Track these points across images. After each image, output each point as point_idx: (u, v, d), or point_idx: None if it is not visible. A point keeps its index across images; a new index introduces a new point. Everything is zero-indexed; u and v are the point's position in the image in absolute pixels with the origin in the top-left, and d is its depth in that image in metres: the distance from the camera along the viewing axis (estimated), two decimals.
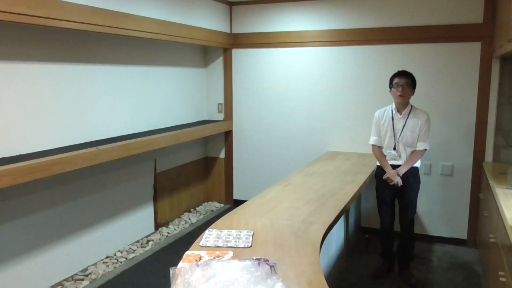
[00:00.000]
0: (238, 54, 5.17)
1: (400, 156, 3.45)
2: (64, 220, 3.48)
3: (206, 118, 5.42)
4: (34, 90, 3.14)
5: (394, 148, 3.45)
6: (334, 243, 3.46)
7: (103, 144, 3.45)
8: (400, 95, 3.35)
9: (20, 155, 3.03)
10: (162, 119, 4.58)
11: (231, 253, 1.90)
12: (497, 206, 2.83)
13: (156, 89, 4.46)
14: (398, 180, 3.37)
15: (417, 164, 3.49)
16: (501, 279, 2.36)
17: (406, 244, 3.62)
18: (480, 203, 4.13)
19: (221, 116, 5.35)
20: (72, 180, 3.52)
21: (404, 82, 3.34)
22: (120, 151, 3.54)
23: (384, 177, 3.43)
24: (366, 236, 4.43)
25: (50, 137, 3.30)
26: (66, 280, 3.47)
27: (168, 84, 4.65)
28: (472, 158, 4.21)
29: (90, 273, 3.57)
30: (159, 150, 4.35)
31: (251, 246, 2.02)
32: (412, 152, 3.44)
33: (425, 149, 3.42)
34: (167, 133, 4.18)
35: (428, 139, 3.43)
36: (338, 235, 3.58)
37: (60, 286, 3.36)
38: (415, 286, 3.49)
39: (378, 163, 3.58)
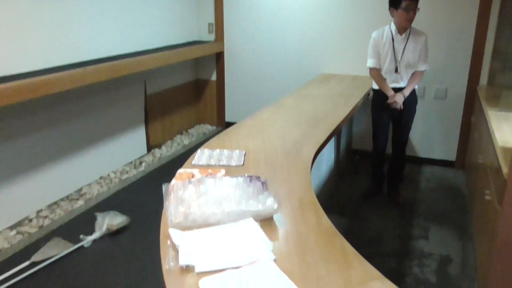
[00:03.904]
0: None
1: (402, 78, 3.39)
2: (56, 142, 3.46)
3: (196, 39, 5.24)
4: (15, 8, 2.97)
5: (396, 71, 3.37)
6: (325, 164, 3.51)
7: (89, 65, 3.34)
8: (409, 20, 3.20)
9: (4, 76, 2.93)
10: (150, 40, 4.41)
11: (223, 171, 1.91)
12: (488, 128, 2.85)
13: (144, 7, 4.25)
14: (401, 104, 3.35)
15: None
16: (486, 197, 2.43)
17: (398, 165, 3.68)
18: (471, 126, 4.16)
19: (212, 37, 5.17)
20: (61, 102, 3.45)
21: (415, 7, 3.16)
22: (108, 72, 3.44)
23: (389, 101, 3.36)
24: (357, 157, 4.49)
25: (34, 57, 3.18)
26: (62, 200, 3.53)
27: (156, 1, 4.43)
28: (466, 82, 4.17)
29: (84, 193, 3.63)
30: (148, 71, 4.24)
31: (243, 164, 2.03)
32: (413, 73, 3.38)
33: (426, 70, 3.37)
34: (156, 54, 4.05)
35: (428, 59, 3.37)
36: (329, 157, 3.62)
37: (56, 205, 3.43)
38: (402, 205, 3.60)
39: (374, 87, 3.52)
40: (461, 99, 4.22)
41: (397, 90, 3.37)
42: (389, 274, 1.21)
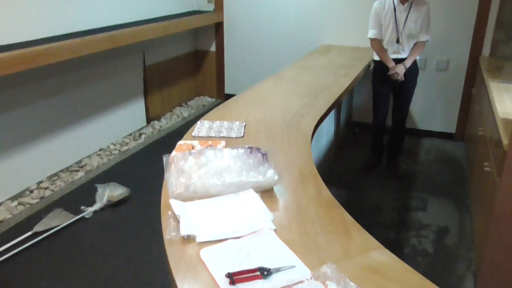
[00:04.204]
0: None
1: (403, 49, 3.34)
2: (54, 113, 3.44)
3: (196, 9, 5.14)
4: None
5: (398, 41, 3.32)
6: (325, 136, 3.51)
7: (88, 35, 3.29)
8: None
9: (2, 46, 2.89)
10: (149, 9, 4.33)
11: (223, 143, 1.90)
12: (489, 100, 2.83)
13: None
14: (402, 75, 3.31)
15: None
16: (486, 169, 2.44)
17: (397, 137, 3.68)
18: (472, 98, 4.14)
19: (211, 7, 5.08)
20: (59, 73, 3.41)
21: None
22: (106, 42, 3.39)
23: (390, 72, 3.32)
24: (357, 130, 4.49)
25: (32, 27, 3.13)
26: (62, 171, 3.54)
27: None
28: (468, 53, 4.12)
29: (85, 165, 3.63)
30: (147, 42, 4.19)
31: (243, 136, 2.03)
32: (415, 44, 3.34)
33: (428, 40, 3.32)
34: (155, 24, 3.99)
35: (430, 29, 3.32)
36: (329, 129, 3.62)
37: (56, 177, 3.44)
38: (401, 177, 3.62)
39: (375, 58, 3.48)
40: (463, 70, 4.19)
41: (398, 61, 3.34)
42: (387, 245, 1.22)
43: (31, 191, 3.21)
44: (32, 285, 2.32)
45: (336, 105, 2.73)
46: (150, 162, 3.75)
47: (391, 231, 2.90)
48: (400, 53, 3.34)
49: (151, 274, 2.42)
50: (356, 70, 3.47)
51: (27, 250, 2.58)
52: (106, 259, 2.54)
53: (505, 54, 3.95)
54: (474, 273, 2.47)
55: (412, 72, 3.39)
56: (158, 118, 4.72)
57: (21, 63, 2.72)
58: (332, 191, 1.52)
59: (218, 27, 5.12)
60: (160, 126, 4.56)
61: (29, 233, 2.71)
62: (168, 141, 4.18)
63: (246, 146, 1.61)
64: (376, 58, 3.45)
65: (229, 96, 3.11)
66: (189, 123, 4.59)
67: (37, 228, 2.75)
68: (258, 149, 1.60)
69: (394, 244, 2.75)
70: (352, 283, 1.03)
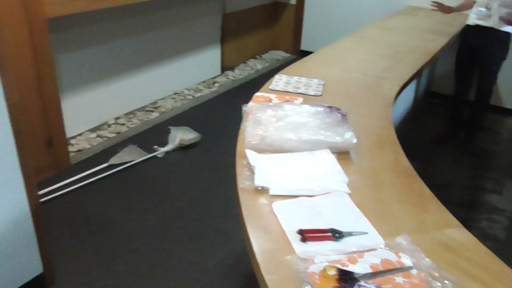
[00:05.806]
0: None
1: (490, 17, 3.06)
2: (133, 53, 3.55)
3: None
4: None
5: (487, 6, 3.04)
6: (403, 104, 3.36)
7: None
8: None
9: None
10: None
11: (300, 99, 1.87)
12: None
13: None
14: None
15: (510, 29, 3.10)
16: None
17: (477, 112, 3.45)
18: None
19: None
20: (138, 14, 3.47)
21: None
22: None
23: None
24: (435, 100, 4.26)
25: None
26: (138, 110, 3.68)
27: None
28: None
29: (159, 106, 3.76)
30: None
31: (321, 95, 1.97)
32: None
33: None
34: None
35: None
36: (407, 96, 3.45)
37: (133, 115, 3.59)
38: (477, 155, 3.41)
39: (467, 22, 3.23)
40: None
41: (481, 28, 3.07)
42: None
43: (109, 126, 3.39)
44: (104, 213, 2.49)
45: (421, 72, 2.58)
46: (222, 111, 3.79)
47: (460, 211, 2.76)
48: (486, 20, 3.06)
49: (213, 218, 2.50)
50: (446, 36, 3.23)
51: (102, 180, 2.75)
52: (173, 198, 2.65)
53: None
54: None
55: (495, 44, 3.09)
56: (232, 68, 4.74)
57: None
58: None
59: None
60: (234, 77, 4.57)
61: (105, 165, 2.88)
62: (241, 92, 4.19)
63: (326, 105, 1.57)
64: (468, 22, 3.20)
65: (304, 53, 3.03)
66: (262, 76, 4.57)
67: (113, 160, 2.91)
68: (338, 109, 1.56)
69: (462, 224, 2.63)
70: (427, 259, 0.99)
